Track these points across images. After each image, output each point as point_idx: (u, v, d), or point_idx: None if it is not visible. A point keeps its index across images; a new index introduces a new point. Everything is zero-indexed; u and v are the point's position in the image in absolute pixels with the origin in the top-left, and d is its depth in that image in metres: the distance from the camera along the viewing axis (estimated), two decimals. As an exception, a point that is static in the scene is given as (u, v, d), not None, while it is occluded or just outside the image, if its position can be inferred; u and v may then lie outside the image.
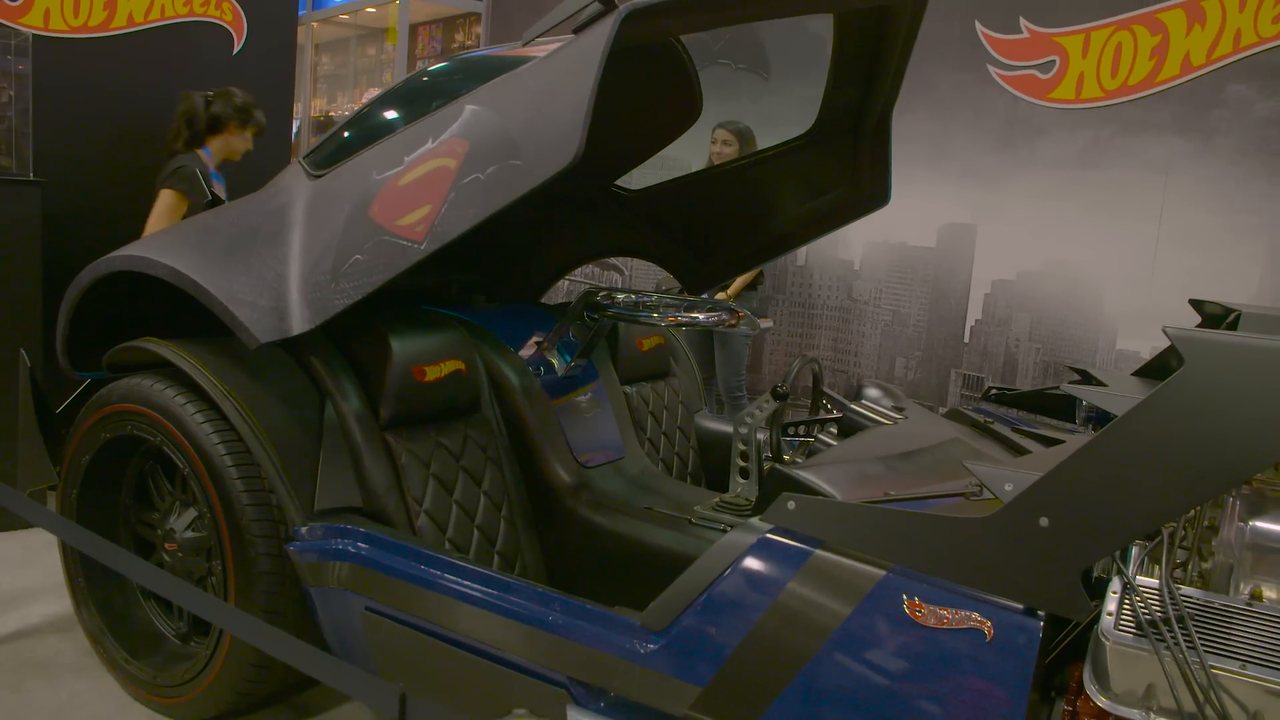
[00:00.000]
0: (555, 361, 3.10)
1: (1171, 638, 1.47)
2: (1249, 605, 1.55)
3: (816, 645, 1.74)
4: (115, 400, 2.70)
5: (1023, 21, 4.58)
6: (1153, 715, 1.47)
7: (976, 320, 4.85)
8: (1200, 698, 1.43)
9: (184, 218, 3.98)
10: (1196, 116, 4.16)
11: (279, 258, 2.50)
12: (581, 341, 3.11)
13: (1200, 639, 1.47)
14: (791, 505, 1.82)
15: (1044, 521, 1.57)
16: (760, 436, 2.59)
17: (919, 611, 1.67)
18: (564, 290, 5.83)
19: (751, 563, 1.84)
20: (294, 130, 6.53)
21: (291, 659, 2.19)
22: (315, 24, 8.70)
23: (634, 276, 6.26)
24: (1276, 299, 3.96)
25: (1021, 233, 4.65)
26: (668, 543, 2.68)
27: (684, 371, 3.72)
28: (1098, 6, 4.37)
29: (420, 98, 2.64)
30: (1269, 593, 1.61)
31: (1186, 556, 1.74)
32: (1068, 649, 1.71)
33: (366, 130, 2.67)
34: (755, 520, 1.89)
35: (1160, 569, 1.60)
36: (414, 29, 8.12)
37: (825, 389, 2.80)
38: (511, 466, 2.91)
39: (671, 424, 3.52)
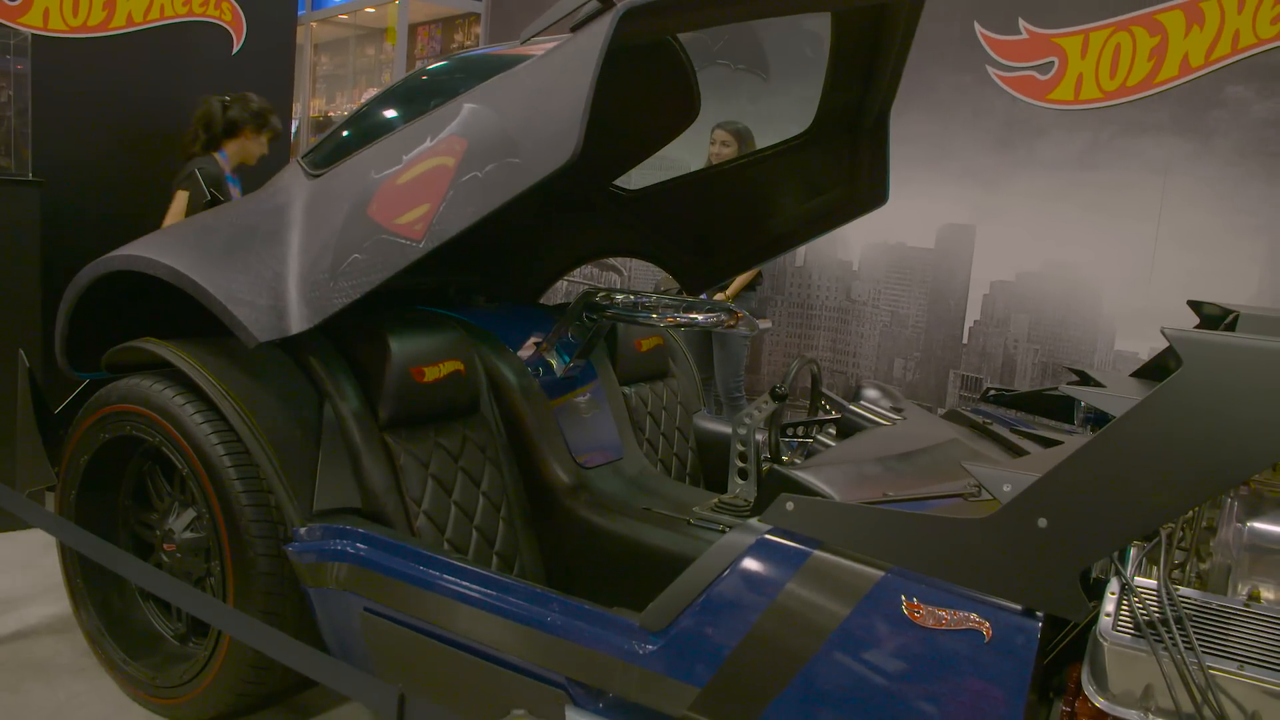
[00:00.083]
0: (554, 362, 3.10)
1: (1169, 638, 1.47)
2: (1247, 606, 1.55)
3: (815, 646, 1.74)
4: (114, 401, 2.70)
5: (1021, 22, 4.58)
6: (1151, 716, 1.47)
7: (975, 321, 4.85)
8: (1198, 698, 1.43)
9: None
10: (1195, 117, 4.16)
11: (278, 257, 2.50)
12: (580, 342, 3.11)
13: (1198, 640, 1.48)
14: (790, 506, 1.82)
15: (1042, 522, 1.57)
16: (759, 437, 2.59)
17: (917, 612, 1.67)
18: (563, 291, 5.83)
19: (750, 563, 1.84)
20: (293, 130, 6.54)
21: (290, 660, 2.19)
22: (314, 24, 8.70)
23: (633, 277, 6.26)
24: (1275, 300, 3.97)
25: (1020, 233, 4.65)
26: (666, 543, 2.68)
27: (683, 372, 3.72)
28: (1096, 7, 4.37)
29: (419, 97, 2.64)
30: (1267, 593, 1.61)
31: (1185, 557, 1.74)
32: (1066, 650, 1.71)
33: (365, 129, 2.67)
34: (754, 521, 1.89)
35: (1158, 570, 1.60)
36: (413, 29, 8.12)
37: (824, 390, 2.80)
38: (510, 467, 2.91)
39: (670, 425, 3.52)
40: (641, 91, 3.12)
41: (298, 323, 2.38)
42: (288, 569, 2.45)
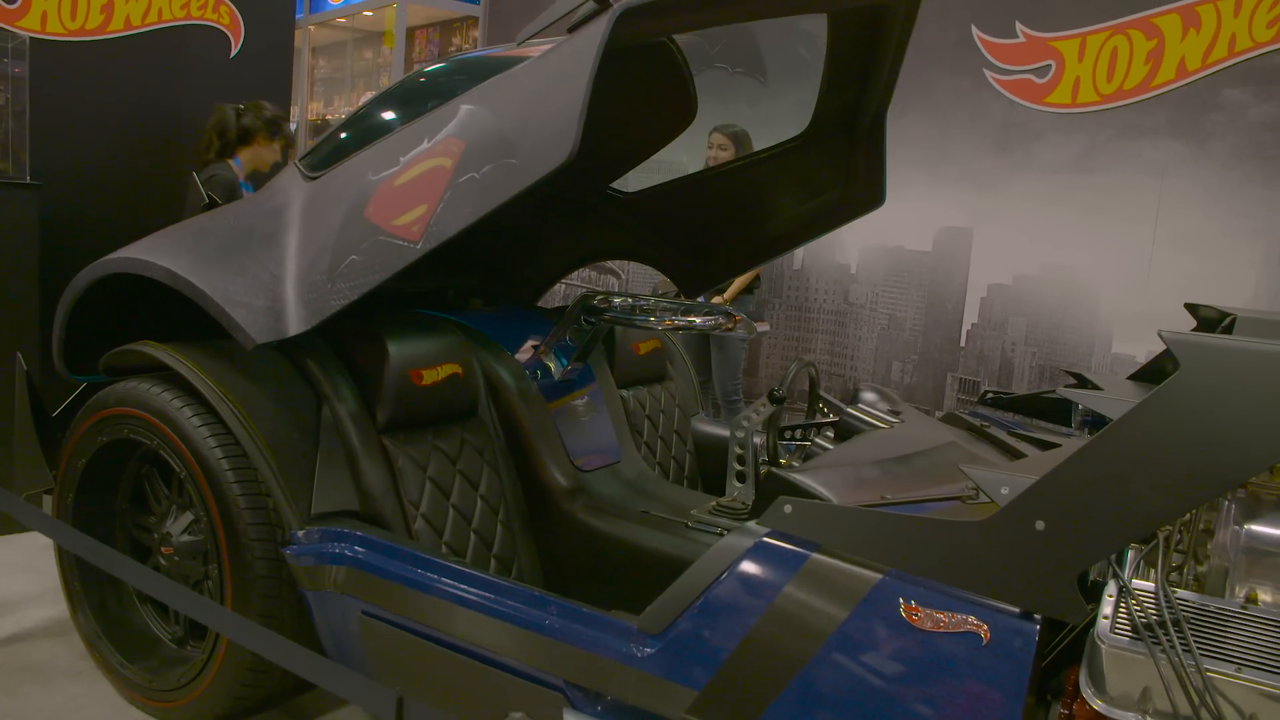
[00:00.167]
0: (552, 365, 3.10)
1: (1167, 641, 1.47)
2: (1244, 608, 1.56)
3: (813, 649, 1.74)
4: (112, 404, 2.69)
5: (1019, 26, 4.59)
6: (1148, 718, 1.47)
7: (973, 324, 4.85)
8: (1196, 701, 1.43)
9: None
10: (1192, 121, 4.17)
11: (275, 259, 2.50)
12: (578, 345, 3.11)
13: (1196, 642, 1.48)
14: (788, 509, 1.82)
15: (1040, 525, 1.57)
16: (757, 440, 2.59)
17: (915, 615, 1.67)
18: (561, 294, 5.83)
19: (748, 566, 1.84)
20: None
21: (288, 663, 2.19)
22: (312, 27, 8.70)
23: (630, 280, 6.27)
24: (1272, 303, 3.97)
25: (1018, 236, 4.66)
26: (664, 546, 2.68)
27: (680, 375, 3.72)
28: (1093, 11, 4.38)
29: (416, 99, 2.64)
30: (1264, 596, 1.61)
31: (1182, 560, 1.74)
32: (1064, 652, 1.71)
33: (362, 132, 2.67)
34: (752, 524, 1.89)
35: (1156, 572, 1.60)
36: (411, 32, 8.13)
37: (822, 393, 2.80)
38: (508, 470, 2.91)
39: (668, 427, 3.52)
40: (638, 94, 3.12)
41: (295, 324, 2.38)
42: (285, 572, 2.45)
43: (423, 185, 2.27)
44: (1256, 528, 1.65)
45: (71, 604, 2.96)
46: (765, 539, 1.85)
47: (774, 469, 2.32)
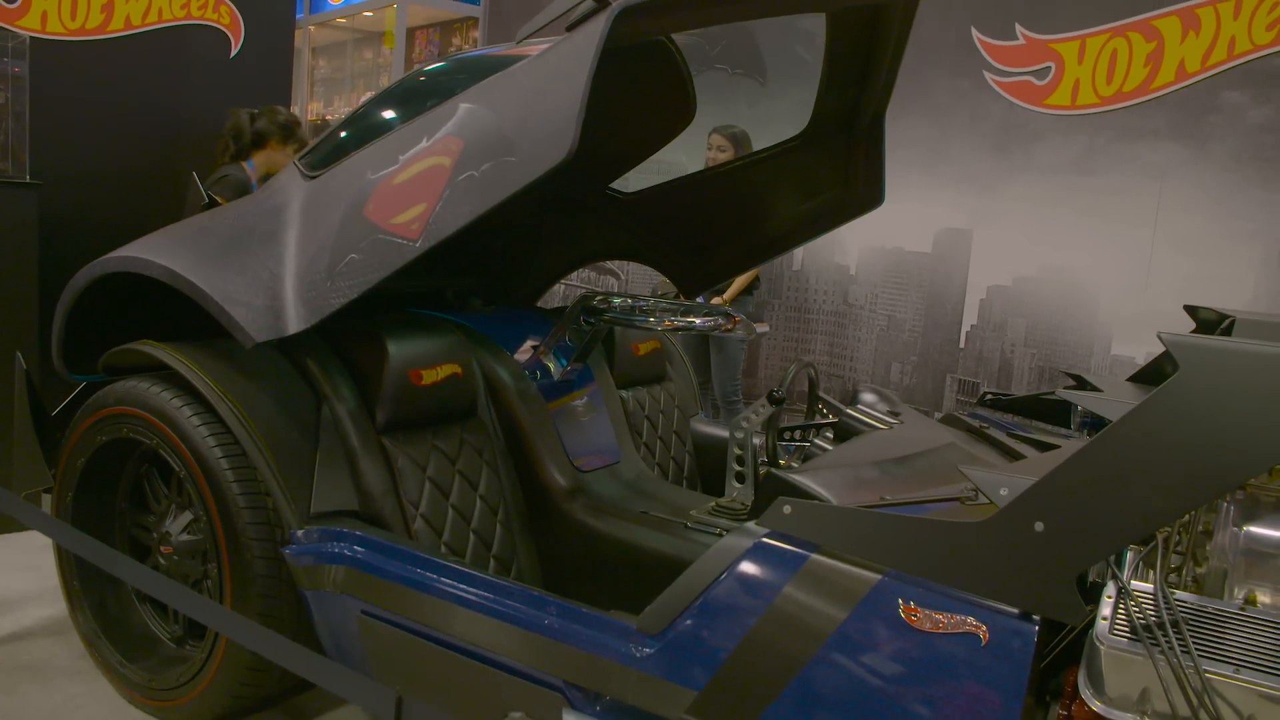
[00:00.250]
0: (551, 365, 3.10)
1: (1166, 642, 1.47)
2: (1243, 610, 1.56)
3: (812, 649, 1.74)
4: (111, 403, 2.69)
5: (1019, 28, 4.59)
6: (1147, 719, 1.48)
7: (972, 325, 4.86)
8: (1195, 702, 1.43)
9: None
10: (1191, 123, 4.17)
11: (274, 257, 2.50)
12: (578, 346, 3.11)
13: (1195, 644, 1.48)
14: (787, 509, 1.82)
15: (1039, 526, 1.57)
16: (756, 441, 2.59)
17: (914, 616, 1.67)
18: (560, 294, 5.83)
19: (747, 567, 1.84)
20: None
21: (287, 662, 2.19)
22: (312, 27, 8.70)
23: (630, 281, 6.27)
24: (1271, 305, 3.98)
25: (1017, 238, 4.66)
26: (663, 547, 2.68)
27: (680, 376, 3.72)
28: (1093, 13, 4.38)
29: (415, 97, 2.64)
30: (1263, 597, 1.62)
31: (1181, 561, 1.74)
32: (1063, 653, 1.71)
33: (361, 131, 2.67)
34: (751, 524, 1.89)
35: (1155, 574, 1.60)
36: (411, 33, 8.13)
37: (821, 394, 2.80)
38: (507, 470, 2.91)
39: (667, 428, 3.52)
40: (637, 94, 3.12)
41: (295, 323, 2.38)
42: (285, 571, 2.45)
43: (422, 184, 2.27)
44: (1255, 529, 1.65)
45: (71, 603, 2.96)
46: (764, 539, 1.85)
47: (773, 470, 2.32)
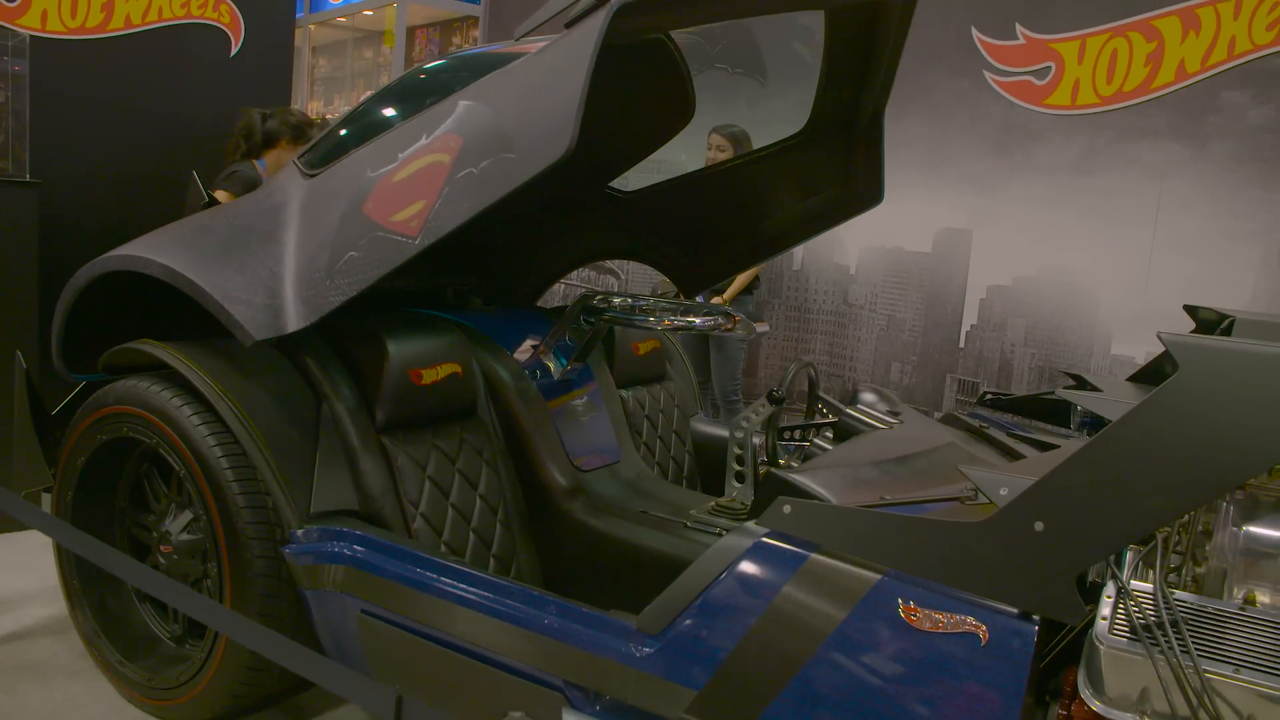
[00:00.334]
0: (551, 365, 3.10)
1: (1166, 642, 1.47)
2: (1242, 610, 1.56)
3: (812, 649, 1.74)
4: (111, 402, 2.69)
5: (1019, 28, 4.59)
6: (1146, 719, 1.48)
7: (972, 325, 4.86)
8: (1194, 702, 1.43)
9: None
10: (1191, 123, 4.17)
11: (274, 256, 2.51)
12: (578, 345, 3.11)
13: (1194, 643, 1.48)
14: (787, 509, 1.82)
15: (1039, 526, 1.57)
16: (756, 440, 2.59)
17: (914, 615, 1.67)
18: (560, 294, 5.83)
19: (747, 566, 1.84)
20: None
21: (287, 661, 2.19)
22: (312, 26, 8.70)
23: (630, 280, 6.27)
24: (1271, 305, 3.98)
25: (1017, 238, 4.66)
26: (663, 546, 2.68)
27: (680, 375, 3.72)
28: (1093, 13, 4.38)
29: (413, 95, 2.64)
30: (1262, 597, 1.62)
31: (1180, 561, 1.74)
32: (1062, 653, 1.71)
33: (360, 129, 2.67)
34: (751, 524, 1.89)
35: (1154, 574, 1.60)
36: (411, 32, 8.13)
37: (821, 393, 2.80)
38: (507, 470, 2.91)
39: (667, 428, 3.52)
40: (637, 92, 3.12)
41: (294, 321, 2.38)
42: (285, 571, 2.45)
43: (421, 181, 2.27)
44: (1254, 529, 1.65)
45: (70, 602, 2.96)
46: (764, 539, 1.85)
47: (773, 469, 2.32)
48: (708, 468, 3.59)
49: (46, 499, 3.07)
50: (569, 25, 2.17)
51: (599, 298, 3.07)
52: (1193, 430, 1.47)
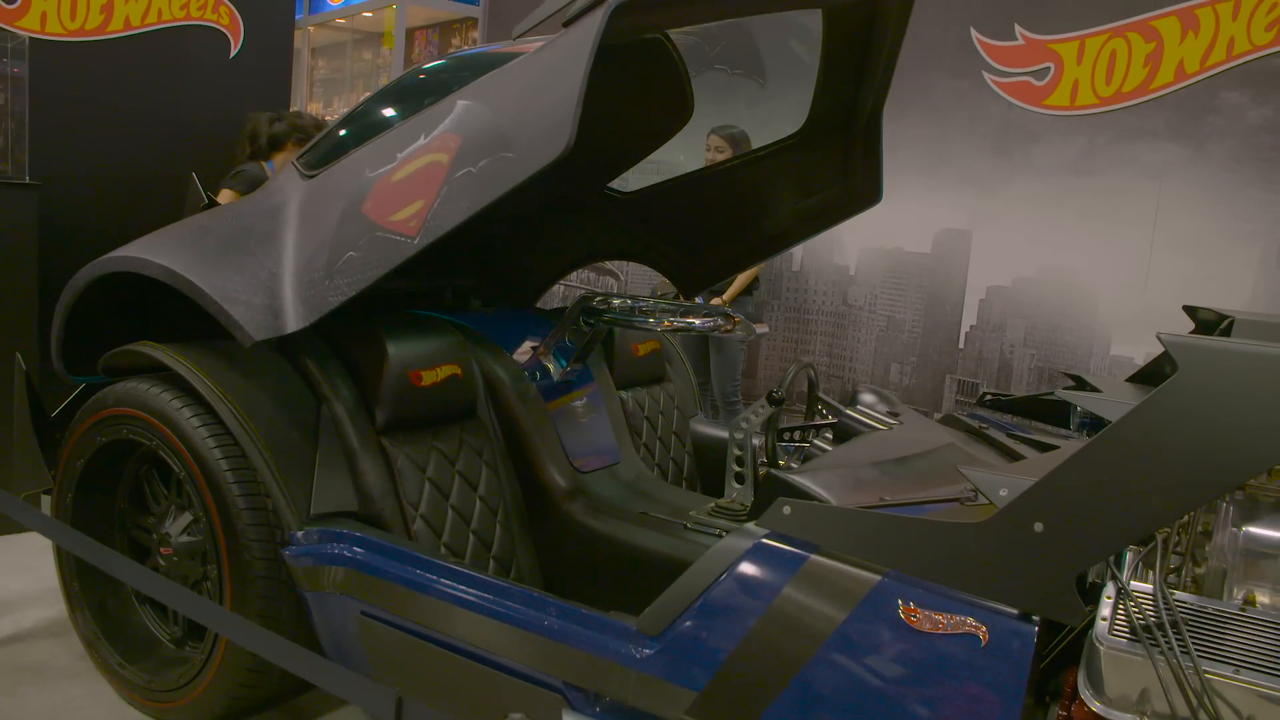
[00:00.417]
0: (551, 366, 3.10)
1: (1166, 643, 1.47)
2: (1242, 610, 1.56)
3: (812, 650, 1.74)
4: (111, 404, 2.69)
5: (1018, 28, 4.59)
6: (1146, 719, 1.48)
7: (971, 326, 4.86)
8: (1194, 703, 1.43)
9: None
10: (1190, 123, 4.18)
11: (273, 256, 2.51)
12: (577, 346, 3.11)
13: (1194, 644, 1.48)
14: (787, 510, 1.82)
15: (1039, 527, 1.57)
16: (755, 441, 2.60)
17: (914, 616, 1.67)
18: (560, 295, 5.84)
19: (747, 568, 1.85)
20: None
21: (287, 663, 2.19)
22: (312, 28, 8.71)
23: (630, 281, 6.27)
24: (1270, 305, 3.98)
25: (1017, 239, 4.66)
26: (663, 547, 2.68)
27: (679, 376, 3.72)
28: (1092, 14, 4.38)
29: (412, 96, 2.64)
30: (1262, 598, 1.62)
31: (1180, 562, 1.74)
32: (1062, 654, 1.71)
33: (359, 129, 2.67)
34: (751, 525, 1.89)
35: (1154, 574, 1.61)
36: (410, 34, 8.14)
37: (820, 394, 2.80)
38: (507, 471, 2.91)
39: (667, 429, 3.52)
40: (635, 93, 3.12)
41: (293, 321, 2.38)
42: (284, 573, 2.44)
43: (419, 181, 2.27)
44: (1254, 530, 1.65)
45: (70, 604, 2.96)
46: (764, 540, 1.85)
47: (773, 470, 2.32)
48: (707, 469, 3.59)
49: (46, 501, 3.07)
50: (567, 24, 2.17)
51: (598, 299, 3.07)
52: (1192, 431, 1.47)
